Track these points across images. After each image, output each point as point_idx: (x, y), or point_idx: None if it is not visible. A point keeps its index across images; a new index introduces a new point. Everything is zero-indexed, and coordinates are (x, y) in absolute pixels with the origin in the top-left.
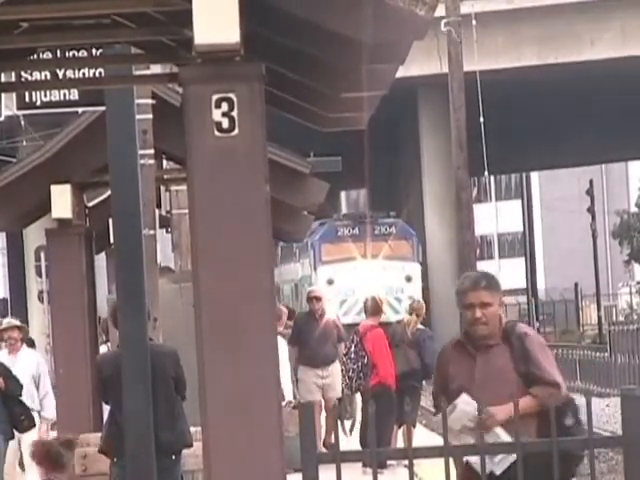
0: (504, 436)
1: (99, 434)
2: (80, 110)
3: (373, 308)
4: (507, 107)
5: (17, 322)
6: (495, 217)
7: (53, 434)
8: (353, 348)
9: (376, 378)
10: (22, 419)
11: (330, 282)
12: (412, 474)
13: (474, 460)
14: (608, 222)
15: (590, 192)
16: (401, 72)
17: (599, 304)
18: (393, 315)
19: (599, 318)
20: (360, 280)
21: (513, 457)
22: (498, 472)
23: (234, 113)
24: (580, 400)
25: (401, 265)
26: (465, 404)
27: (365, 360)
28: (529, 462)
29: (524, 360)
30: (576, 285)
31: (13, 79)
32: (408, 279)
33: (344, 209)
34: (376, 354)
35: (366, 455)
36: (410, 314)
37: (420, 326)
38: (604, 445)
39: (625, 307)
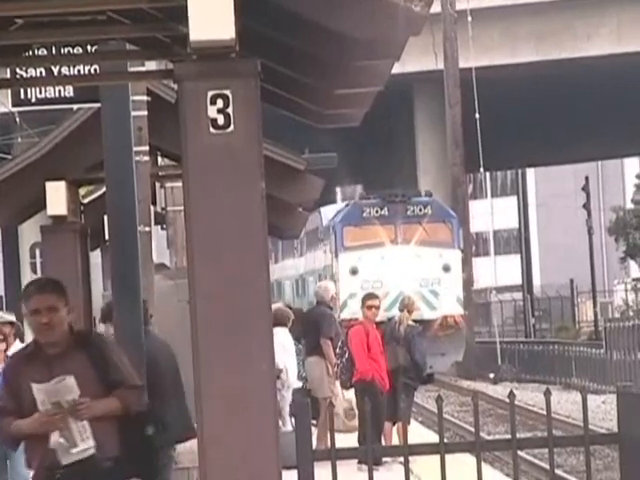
0: (76, 434)
1: None
2: (75, 107)
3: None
4: (503, 103)
5: (10, 317)
6: (491, 214)
7: None
8: (339, 344)
9: (357, 374)
10: None
11: (354, 272)
12: (407, 471)
13: (54, 440)
14: (604, 219)
15: (586, 189)
16: (396, 68)
17: (595, 301)
18: (429, 311)
19: (595, 315)
20: (389, 270)
21: (86, 454)
22: (64, 462)
23: (229, 110)
24: (576, 397)
25: (438, 252)
26: (70, 385)
27: (347, 356)
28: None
29: (103, 365)
30: (572, 282)
31: (8, 75)
32: (446, 269)
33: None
34: (353, 350)
35: (361, 452)
36: (401, 311)
37: (411, 323)
38: (600, 442)
39: (621, 304)
